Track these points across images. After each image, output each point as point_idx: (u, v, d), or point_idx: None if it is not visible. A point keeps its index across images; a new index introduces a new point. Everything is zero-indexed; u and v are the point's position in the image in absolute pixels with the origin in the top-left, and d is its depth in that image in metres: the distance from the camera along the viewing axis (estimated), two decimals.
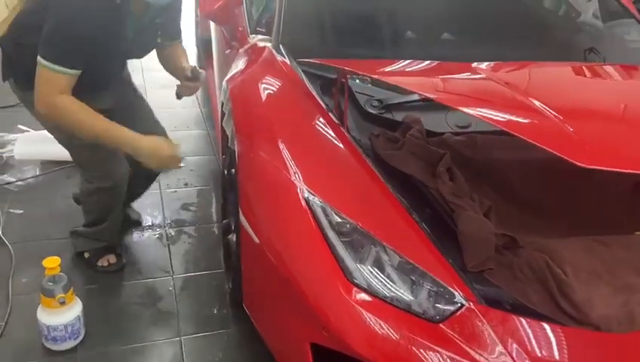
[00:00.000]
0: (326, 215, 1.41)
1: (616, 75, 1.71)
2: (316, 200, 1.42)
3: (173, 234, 2.40)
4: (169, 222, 2.47)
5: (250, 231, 1.56)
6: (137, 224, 2.43)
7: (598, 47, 2.13)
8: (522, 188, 1.65)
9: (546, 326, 1.28)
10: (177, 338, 1.88)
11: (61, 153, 2.21)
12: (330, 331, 1.31)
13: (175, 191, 2.70)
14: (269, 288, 1.55)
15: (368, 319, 1.29)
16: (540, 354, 1.24)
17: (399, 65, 1.55)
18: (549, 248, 1.41)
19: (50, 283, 1.67)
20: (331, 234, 1.38)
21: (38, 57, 1.67)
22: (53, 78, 1.68)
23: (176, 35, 2.07)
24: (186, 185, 2.76)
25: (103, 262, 2.14)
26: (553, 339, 1.28)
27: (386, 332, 1.28)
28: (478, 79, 1.41)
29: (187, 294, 2.08)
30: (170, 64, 2.08)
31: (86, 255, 2.16)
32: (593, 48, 2.11)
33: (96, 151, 1.90)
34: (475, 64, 1.46)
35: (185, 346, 1.86)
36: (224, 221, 2.15)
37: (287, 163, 1.52)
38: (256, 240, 1.53)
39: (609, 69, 1.80)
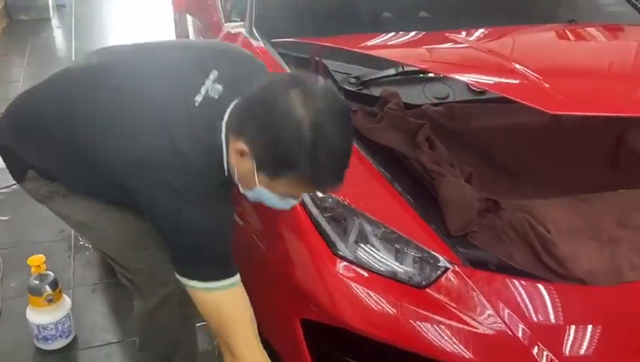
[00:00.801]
0: None
1: (592, 35, 1.72)
2: None
3: None
4: None
5: None
6: None
7: (577, 16, 2.15)
8: (502, 154, 1.66)
9: (532, 283, 1.29)
10: None
11: None
12: (319, 305, 1.31)
13: None
14: (255, 270, 1.54)
15: (356, 290, 1.29)
16: (527, 311, 1.25)
17: (380, 39, 1.55)
18: (531, 208, 1.41)
19: (37, 281, 1.66)
20: (314, 210, 1.38)
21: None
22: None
23: None
24: None
25: None
26: (539, 296, 1.29)
27: (374, 301, 1.28)
28: (461, 48, 1.41)
29: None
30: None
31: None
32: (572, 20, 2.12)
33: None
34: (454, 34, 1.46)
35: None
36: None
37: None
38: (240, 222, 1.53)
39: (585, 30, 1.81)
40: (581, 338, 1.26)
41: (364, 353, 1.35)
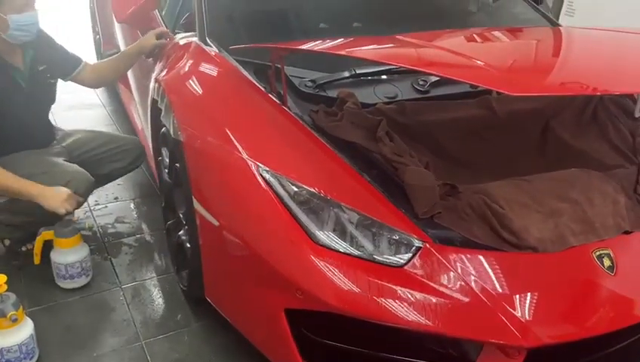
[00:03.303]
0: (283, 186, 1.47)
1: (512, 33, 1.94)
2: (271, 174, 1.48)
3: (112, 247, 2.33)
4: (105, 236, 2.40)
5: (208, 216, 1.59)
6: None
7: (493, 22, 2.39)
8: (449, 145, 1.82)
9: (493, 254, 1.44)
10: (138, 343, 1.85)
11: None
12: (305, 292, 1.37)
13: (106, 206, 2.62)
14: (234, 268, 1.58)
15: (338, 275, 1.38)
16: (491, 279, 1.39)
17: (337, 42, 1.65)
18: (485, 189, 1.56)
19: None
20: (291, 204, 1.45)
21: None
22: None
23: (72, 65, 2.23)
24: (116, 198, 2.69)
25: (27, 247, 2.17)
26: (500, 265, 1.43)
27: (357, 283, 1.37)
28: (417, 46, 1.55)
29: (140, 301, 2.04)
30: (111, 71, 2.35)
31: (6, 242, 2.16)
32: (480, 26, 2.36)
33: None
34: (403, 37, 1.60)
35: (147, 349, 1.83)
36: (169, 222, 2.14)
37: (237, 144, 1.56)
38: (216, 223, 1.56)
39: (502, 31, 2.02)
40: (539, 299, 1.41)
41: (349, 337, 1.44)
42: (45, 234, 2.01)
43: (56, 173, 2.02)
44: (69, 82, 2.32)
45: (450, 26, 2.41)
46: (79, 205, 2.00)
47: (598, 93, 1.82)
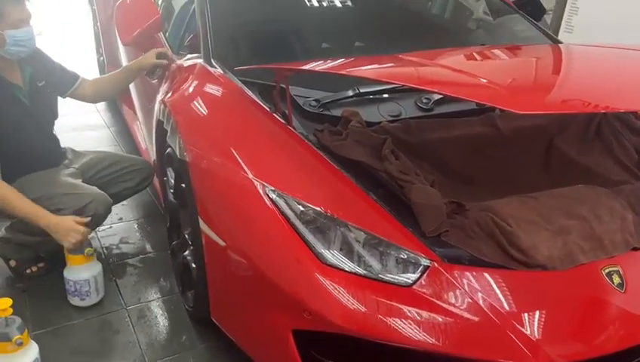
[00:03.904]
0: (289, 206, 1.47)
1: (514, 50, 1.96)
2: (277, 194, 1.48)
3: (116, 268, 2.32)
4: (110, 256, 2.39)
5: (214, 236, 1.58)
6: None
7: (494, 39, 2.41)
8: (454, 162, 1.82)
9: (501, 272, 1.43)
10: None
11: None
12: (313, 313, 1.36)
13: (110, 227, 2.62)
14: (241, 289, 1.57)
15: (346, 294, 1.37)
16: (500, 298, 1.38)
17: (339, 62, 1.66)
18: (491, 207, 1.56)
19: (4, 326, 1.57)
20: (298, 223, 1.45)
21: None
22: None
23: (69, 81, 2.26)
24: (120, 219, 2.69)
25: (32, 269, 2.18)
26: (509, 283, 1.42)
27: (365, 303, 1.36)
28: (421, 65, 1.56)
29: (145, 323, 2.03)
30: (110, 87, 2.36)
31: (12, 263, 2.17)
32: (484, 44, 2.38)
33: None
34: (407, 56, 1.61)
35: None
36: (173, 243, 2.13)
37: (242, 164, 1.57)
38: (222, 243, 1.56)
39: (505, 49, 2.04)
40: (549, 317, 1.40)
41: (357, 358, 1.42)
42: None
43: (77, 194, 2.05)
44: (73, 104, 2.33)
45: (452, 44, 2.43)
46: (84, 236, 1.97)
47: (605, 111, 1.82)
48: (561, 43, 2.47)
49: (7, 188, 1.95)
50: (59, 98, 2.28)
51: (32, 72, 2.07)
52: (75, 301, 2.04)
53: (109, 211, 2.14)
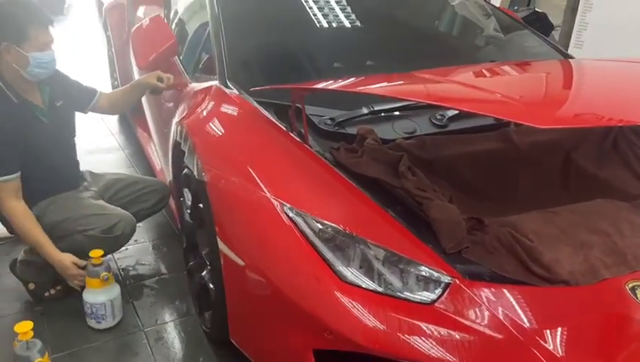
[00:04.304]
0: (307, 224, 1.47)
1: (527, 66, 1.97)
2: (295, 212, 1.49)
3: (133, 289, 2.33)
4: (127, 278, 2.40)
5: (232, 256, 1.58)
6: None
7: (506, 55, 2.43)
8: (471, 178, 1.82)
9: (524, 289, 1.41)
10: None
11: None
12: (334, 332, 1.35)
13: (126, 249, 2.62)
14: (260, 308, 1.56)
15: (367, 313, 1.35)
16: (523, 314, 1.36)
17: (355, 81, 1.68)
18: (511, 222, 1.55)
19: (25, 350, 1.57)
20: (316, 241, 1.44)
21: None
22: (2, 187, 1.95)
23: (88, 97, 2.31)
24: (135, 241, 2.69)
25: (50, 292, 2.20)
26: (532, 299, 1.40)
27: (385, 322, 1.34)
28: (437, 82, 1.57)
29: (163, 345, 2.02)
30: (122, 102, 2.39)
31: (31, 286, 2.18)
32: (493, 60, 2.39)
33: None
34: (421, 73, 1.62)
35: None
36: (190, 263, 2.13)
37: (260, 183, 1.57)
38: (241, 263, 1.56)
39: (518, 64, 2.05)
40: (572, 333, 1.38)
41: None
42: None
43: (105, 215, 2.09)
44: (87, 127, 2.37)
45: (464, 61, 2.45)
46: (79, 280, 2.04)
47: (623, 124, 1.82)
48: (572, 58, 2.48)
49: (38, 233, 2.02)
50: (81, 115, 2.33)
51: (50, 92, 2.11)
52: (92, 323, 2.05)
53: (134, 231, 2.16)
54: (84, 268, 2.03)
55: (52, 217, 2.05)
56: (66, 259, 2.02)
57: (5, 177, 1.95)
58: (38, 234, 2.01)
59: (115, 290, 2.07)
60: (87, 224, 2.04)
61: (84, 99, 2.30)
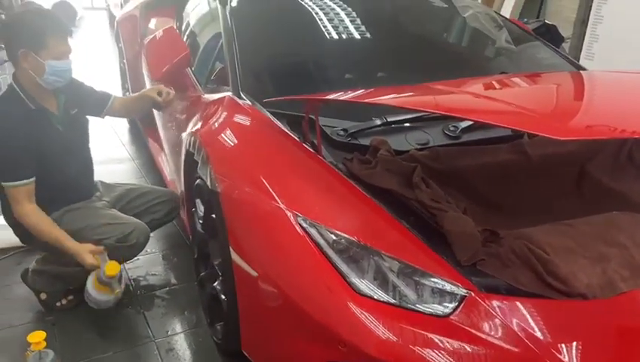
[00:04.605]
0: (321, 235, 1.46)
1: (542, 77, 1.96)
2: (309, 223, 1.48)
3: (144, 299, 2.32)
4: (138, 289, 2.39)
5: (245, 266, 1.58)
6: None
7: (518, 67, 2.42)
8: (484, 190, 1.80)
9: (541, 302, 1.39)
10: None
11: (6, 240, 2.22)
12: (348, 344, 1.34)
13: (137, 259, 2.62)
14: (273, 319, 1.55)
15: (381, 325, 1.34)
16: (540, 328, 1.34)
17: (369, 92, 1.68)
18: (526, 235, 1.53)
19: (38, 360, 1.57)
20: (330, 252, 1.44)
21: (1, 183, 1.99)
22: (14, 193, 1.98)
23: (102, 102, 2.33)
24: (146, 251, 2.69)
25: (61, 302, 2.20)
26: (548, 313, 1.38)
27: (400, 335, 1.33)
28: (452, 93, 1.56)
29: (174, 356, 2.01)
30: (132, 108, 2.41)
31: (42, 296, 2.19)
32: (503, 71, 2.39)
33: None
34: (435, 85, 1.62)
35: None
36: (202, 274, 2.13)
37: (274, 193, 1.57)
38: (254, 274, 1.55)
39: (532, 76, 2.04)
40: (590, 347, 1.35)
41: None
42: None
43: (120, 224, 2.11)
44: (98, 138, 2.39)
45: (476, 72, 2.44)
46: (97, 261, 2.03)
47: None
48: (585, 70, 2.47)
49: (57, 231, 2.03)
50: (96, 122, 2.35)
51: (66, 100, 2.13)
52: (91, 305, 2.06)
53: (147, 240, 2.16)
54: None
55: (67, 227, 2.06)
56: (85, 250, 2.00)
57: (20, 182, 1.97)
58: (54, 230, 2.01)
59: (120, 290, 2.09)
60: (103, 233, 2.05)
61: (99, 104, 2.32)
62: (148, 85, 3.16)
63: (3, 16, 5.59)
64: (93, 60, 6.00)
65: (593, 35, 4.23)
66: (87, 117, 2.28)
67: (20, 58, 1.95)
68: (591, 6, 4.35)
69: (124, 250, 2.08)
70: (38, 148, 2.00)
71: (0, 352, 1.96)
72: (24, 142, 1.96)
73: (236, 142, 1.83)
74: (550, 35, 4.10)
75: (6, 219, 2.14)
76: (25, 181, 1.98)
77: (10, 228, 2.21)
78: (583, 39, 4.44)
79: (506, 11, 5.37)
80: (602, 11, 4.23)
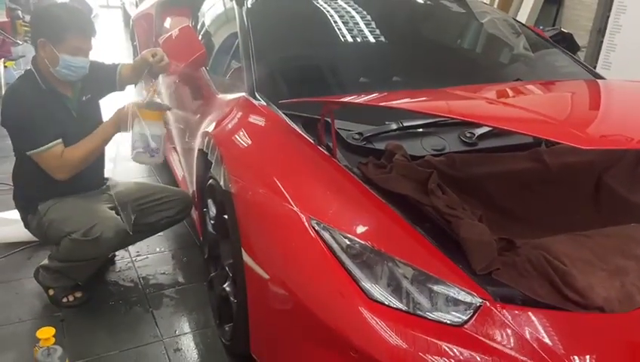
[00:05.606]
0: (334, 239, 1.44)
1: (560, 85, 1.94)
2: (323, 226, 1.46)
3: (153, 298, 2.32)
4: (147, 287, 2.39)
5: (257, 268, 1.56)
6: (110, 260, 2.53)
7: (534, 74, 2.39)
8: (500, 198, 1.77)
9: (557, 314, 1.36)
10: None
11: (18, 234, 2.22)
12: (359, 351, 1.32)
13: (147, 257, 2.63)
14: (284, 323, 1.54)
15: (394, 333, 1.32)
16: (556, 341, 1.31)
17: (388, 96, 1.66)
18: (543, 245, 1.51)
19: (47, 356, 1.57)
20: (343, 257, 1.42)
21: (27, 153, 2.01)
22: (49, 155, 2.00)
23: (112, 72, 2.33)
24: (156, 250, 2.70)
25: (68, 298, 2.21)
26: (565, 325, 1.35)
27: (413, 343, 1.30)
28: (468, 99, 1.54)
29: (181, 356, 2.00)
30: (140, 70, 2.36)
31: (50, 292, 2.20)
32: (519, 79, 2.36)
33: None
34: (450, 90, 1.60)
35: None
36: (212, 274, 2.12)
37: (288, 196, 1.55)
38: (266, 276, 1.53)
39: (550, 83, 2.01)
40: (604, 361, 1.32)
41: None
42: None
43: (88, 217, 2.07)
44: None
45: (493, 79, 2.42)
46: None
47: None
48: (603, 78, 2.44)
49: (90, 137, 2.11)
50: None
51: (81, 87, 2.16)
52: (144, 157, 2.09)
53: (118, 236, 2.08)
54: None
55: (51, 215, 2.09)
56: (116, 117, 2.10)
57: (50, 144, 1.99)
58: (91, 139, 2.09)
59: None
60: (69, 227, 2.04)
61: (109, 77, 2.31)
62: (162, 84, 3.17)
63: (19, 12, 5.64)
64: (108, 58, 6.01)
65: (611, 44, 4.19)
66: (103, 100, 2.31)
67: (39, 46, 2.01)
68: (608, 15, 4.32)
69: (88, 244, 2.02)
70: (54, 124, 2.02)
71: (9, 346, 1.96)
72: (42, 113, 1.99)
73: (250, 143, 1.82)
74: (566, 44, 4.06)
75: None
76: (54, 142, 2.00)
77: (22, 223, 2.22)
78: (600, 48, 4.41)
79: (522, 18, 5.33)
80: (620, 20, 4.20)
